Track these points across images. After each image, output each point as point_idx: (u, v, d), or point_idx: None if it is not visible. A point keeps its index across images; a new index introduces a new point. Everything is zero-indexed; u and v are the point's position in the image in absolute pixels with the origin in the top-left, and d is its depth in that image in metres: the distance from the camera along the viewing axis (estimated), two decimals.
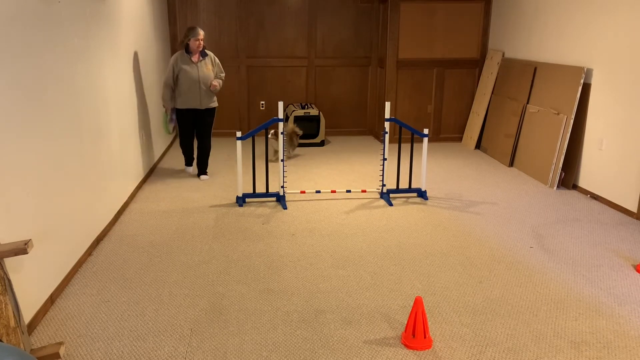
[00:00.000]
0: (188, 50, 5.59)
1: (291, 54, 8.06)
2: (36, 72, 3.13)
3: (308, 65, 8.12)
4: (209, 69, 5.68)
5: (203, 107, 5.72)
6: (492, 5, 7.56)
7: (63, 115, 3.52)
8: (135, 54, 5.59)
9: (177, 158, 6.82)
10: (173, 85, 5.65)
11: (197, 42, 5.54)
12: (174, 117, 5.81)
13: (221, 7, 7.82)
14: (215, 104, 5.83)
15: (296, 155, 7.01)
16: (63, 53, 3.55)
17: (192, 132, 5.94)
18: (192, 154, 6.14)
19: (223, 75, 5.86)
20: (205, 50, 5.70)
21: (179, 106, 5.72)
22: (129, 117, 5.24)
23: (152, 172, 6.20)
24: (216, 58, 5.81)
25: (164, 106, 5.89)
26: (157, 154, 6.57)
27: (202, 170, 6.04)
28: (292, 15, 7.95)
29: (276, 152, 6.50)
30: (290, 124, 6.97)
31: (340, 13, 7.99)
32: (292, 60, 8.08)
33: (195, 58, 5.61)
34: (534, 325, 3.09)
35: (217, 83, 5.69)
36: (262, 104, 8.18)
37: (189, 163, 6.21)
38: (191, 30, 5.56)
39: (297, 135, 6.91)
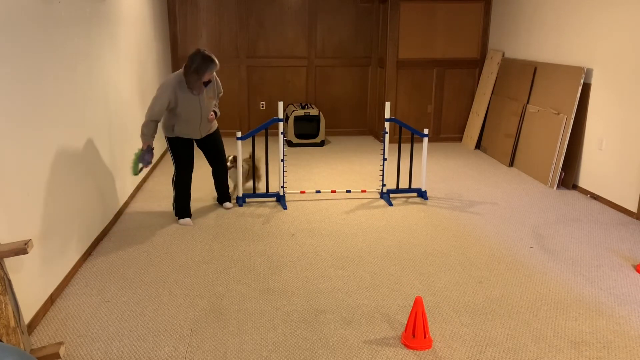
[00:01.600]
0: (193, 81, 4.33)
1: (291, 54, 8.06)
2: (36, 72, 3.13)
3: (308, 65, 8.11)
4: (210, 98, 4.56)
5: (203, 136, 4.69)
6: (492, 5, 7.56)
7: (63, 115, 3.52)
8: (135, 54, 5.58)
9: None
10: (159, 119, 4.44)
11: (211, 76, 4.40)
12: (147, 158, 4.44)
13: (221, 7, 7.81)
14: (216, 126, 4.82)
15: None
16: (63, 53, 3.55)
17: (192, 164, 4.69)
18: (190, 198, 4.74)
19: (221, 94, 4.82)
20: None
21: (176, 135, 4.55)
22: (129, 116, 5.24)
23: (152, 172, 6.21)
24: (218, 79, 4.67)
25: (142, 139, 4.44)
26: (157, 153, 6.56)
27: (225, 196, 5.07)
28: (292, 15, 7.95)
29: (236, 185, 5.24)
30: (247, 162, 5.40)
31: (340, 13, 7.99)
32: (292, 60, 8.08)
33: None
34: (534, 325, 3.09)
35: (213, 114, 4.63)
36: (262, 104, 8.18)
37: (186, 212, 4.69)
38: (209, 64, 4.27)
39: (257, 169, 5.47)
